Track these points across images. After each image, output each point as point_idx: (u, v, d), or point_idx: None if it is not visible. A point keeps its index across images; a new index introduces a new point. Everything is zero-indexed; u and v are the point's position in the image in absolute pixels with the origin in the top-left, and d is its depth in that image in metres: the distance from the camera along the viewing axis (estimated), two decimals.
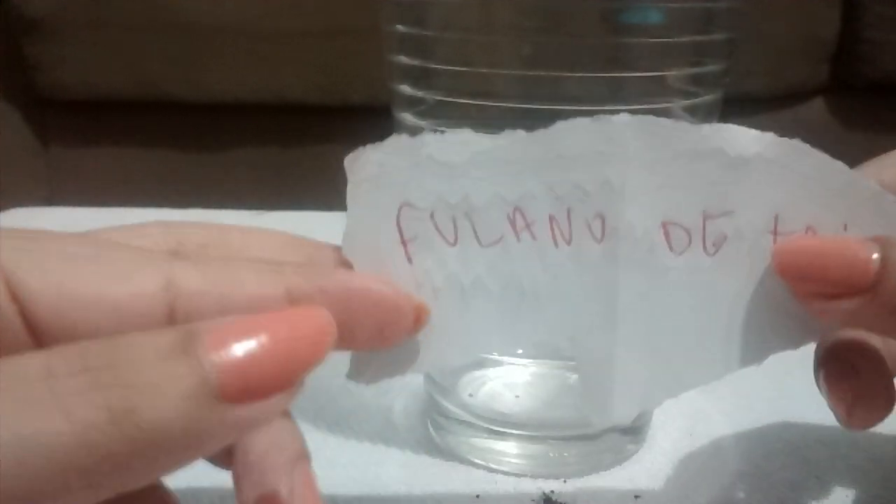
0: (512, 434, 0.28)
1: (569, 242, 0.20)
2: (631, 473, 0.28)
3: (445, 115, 0.25)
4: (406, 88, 0.26)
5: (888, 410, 0.23)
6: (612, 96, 0.23)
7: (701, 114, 0.25)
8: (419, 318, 0.20)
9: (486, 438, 0.28)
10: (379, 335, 0.19)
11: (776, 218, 0.20)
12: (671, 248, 0.21)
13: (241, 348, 0.14)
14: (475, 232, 0.20)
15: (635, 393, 0.21)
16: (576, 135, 0.20)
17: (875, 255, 0.19)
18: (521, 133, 0.20)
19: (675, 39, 0.23)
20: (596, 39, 0.23)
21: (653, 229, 0.20)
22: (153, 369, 0.13)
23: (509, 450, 0.28)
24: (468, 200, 0.20)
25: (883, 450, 0.29)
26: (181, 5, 0.78)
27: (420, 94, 0.25)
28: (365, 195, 0.20)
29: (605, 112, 0.20)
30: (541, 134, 0.20)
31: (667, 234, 0.20)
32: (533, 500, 0.26)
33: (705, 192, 0.20)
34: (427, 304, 0.20)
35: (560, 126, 0.20)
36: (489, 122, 0.24)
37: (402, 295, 0.19)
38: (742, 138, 0.20)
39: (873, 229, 0.20)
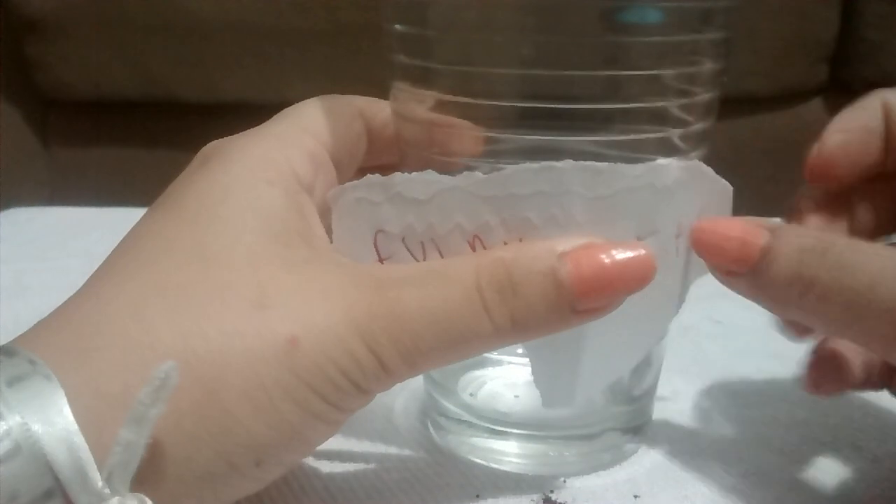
0: (512, 434, 0.28)
1: None
2: (631, 473, 0.28)
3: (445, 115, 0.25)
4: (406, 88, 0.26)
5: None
6: (610, 95, 0.23)
7: (698, 112, 0.25)
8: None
9: (486, 438, 0.28)
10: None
11: (679, 225, 0.24)
12: None
13: (589, 270, 0.21)
14: (440, 253, 0.23)
15: (601, 368, 0.25)
16: (525, 177, 0.22)
17: (763, 242, 0.23)
18: (478, 174, 0.22)
19: (673, 38, 0.23)
20: (594, 39, 0.23)
21: None
22: (536, 292, 0.21)
23: (509, 449, 0.28)
24: (433, 229, 0.23)
25: (883, 449, 0.29)
26: (184, 5, 0.78)
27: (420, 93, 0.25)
28: (346, 224, 0.24)
29: (603, 111, 0.22)
30: (495, 176, 0.22)
31: None
32: (533, 500, 0.26)
33: (637, 219, 0.23)
34: None
35: (511, 170, 0.22)
36: (489, 122, 0.24)
37: None
38: (668, 170, 0.23)
39: None
